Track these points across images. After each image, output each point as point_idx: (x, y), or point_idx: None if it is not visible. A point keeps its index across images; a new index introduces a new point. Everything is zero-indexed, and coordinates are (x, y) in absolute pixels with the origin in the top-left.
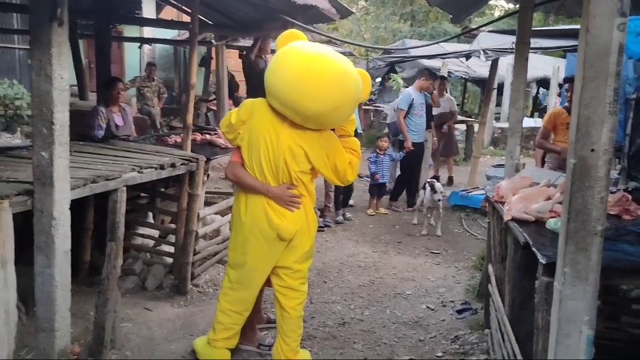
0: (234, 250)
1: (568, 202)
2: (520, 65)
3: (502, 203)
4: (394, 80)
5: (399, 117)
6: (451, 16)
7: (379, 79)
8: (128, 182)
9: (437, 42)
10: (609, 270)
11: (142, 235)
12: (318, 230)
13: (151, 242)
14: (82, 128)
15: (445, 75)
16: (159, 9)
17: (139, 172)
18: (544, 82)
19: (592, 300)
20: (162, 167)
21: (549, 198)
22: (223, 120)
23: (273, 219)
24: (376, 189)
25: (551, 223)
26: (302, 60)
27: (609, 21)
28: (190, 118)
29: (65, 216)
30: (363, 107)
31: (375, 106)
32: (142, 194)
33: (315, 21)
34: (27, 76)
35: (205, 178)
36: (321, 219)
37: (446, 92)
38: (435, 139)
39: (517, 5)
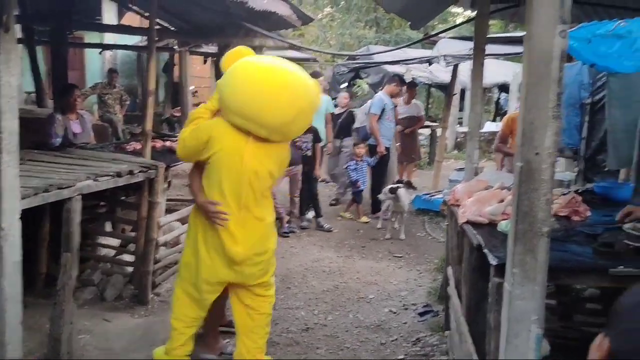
0: (186, 265)
1: (516, 205)
2: (477, 71)
3: (458, 206)
4: (359, 86)
5: (371, 121)
6: (410, 23)
7: (344, 85)
8: (83, 191)
9: (400, 48)
10: (557, 271)
11: (102, 245)
12: (282, 236)
13: (112, 252)
14: (39, 136)
15: (411, 80)
16: (121, 14)
17: (94, 180)
18: (505, 87)
19: (540, 300)
20: (119, 175)
21: (502, 200)
22: (178, 148)
23: (225, 242)
24: (356, 196)
25: (502, 225)
26: (261, 73)
27: (551, 28)
28: (149, 125)
29: (14, 227)
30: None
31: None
32: (102, 203)
33: (277, 28)
34: None
35: (166, 185)
36: (287, 225)
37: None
38: (398, 144)
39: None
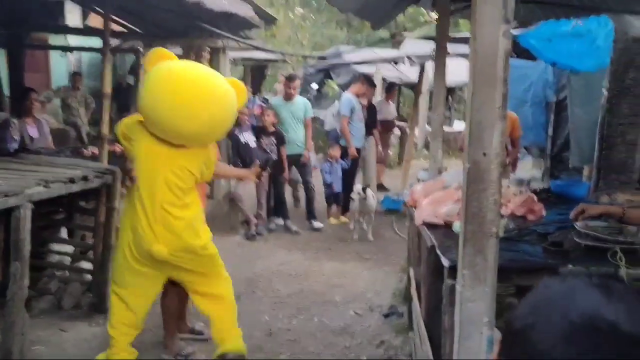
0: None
1: (464, 206)
2: (440, 71)
3: (416, 207)
4: (329, 86)
5: (342, 123)
6: (370, 23)
7: (315, 85)
8: (33, 198)
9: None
10: (508, 271)
11: (59, 252)
12: (249, 239)
13: (69, 259)
14: None
15: (390, 83)
16: (85, 16)
17: (44, 186)
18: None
19: (490, 301)
20: (72, 181)
21: (458, 200)
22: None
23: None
24: (333, 198)
25: (456, 226)
26: (175, 83)
27: (495, 28)
28: (105, 129)
29: None
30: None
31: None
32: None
33: (240, 28)
34: None
35: (124, 190)
36: (254, 228)
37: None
38: (379, 146)
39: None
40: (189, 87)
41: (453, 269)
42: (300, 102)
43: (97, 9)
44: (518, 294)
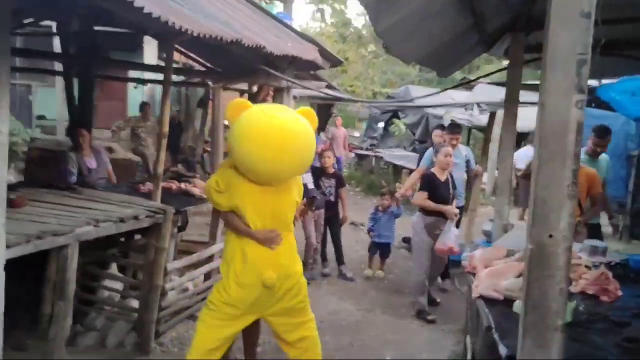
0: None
1: (526, 293)
2: (509, 121)
3: (474, 274)
4: (396, 125)
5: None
6: (436, 71)
7: (381, 124)
8: (80, 238)
9: (429, 95)
10: None
11: (109, 289)
12: None
13: (118, 296)
14: (53, 172)
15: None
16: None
17: (94, 226)
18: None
19: None
20: (122, 220)
21: (520, 275)
22: (205, 192)
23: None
24: (375, 248)
25: (517, 306)
26: (266, 136)
27: (566, 98)
28: (160, 168)
29: None
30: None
31: (376, 152)
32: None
33: (306, 69)
34: (26, 112)
35: (176, 230)
36: (308, 272)
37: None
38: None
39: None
40: (281, 137)
41: (510, 358)
42: None
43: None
44: None
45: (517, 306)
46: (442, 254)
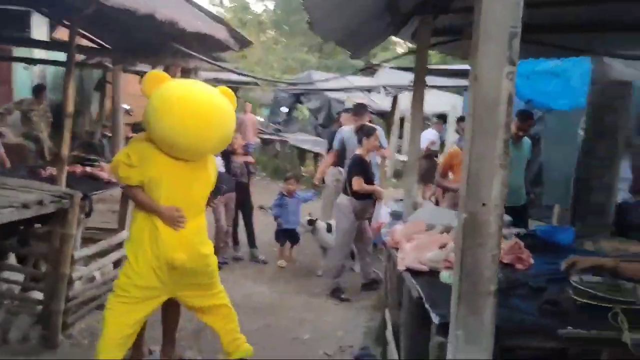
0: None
1: (459, 261)
2: (418, 102)
3: (397, 249)
4: (300, 111)
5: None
6: (350, 52)
7: (285, 109)
8: None
9: (340, 77)
10: (501, 331)
11: (8, 281)
12: None
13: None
14: None
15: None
16: (53, 28)
17: None
18: (443, 118)
19: None
20: (25, 206)
21: (443, 246)
22: (112, 167)
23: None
24: (281, 235)
25: (444, 276)
26: (187, 108)
27: (499, 70)
28: (65, 149)
29: None
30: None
31: (281, 136)
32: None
33: (214, 50)
34: None
35: (83, 216)
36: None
37: None
38: None
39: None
40: (204, 110)
41: (443, 326)
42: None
43: (65, 22)
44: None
45: (444, 276)
46: (376, 231)
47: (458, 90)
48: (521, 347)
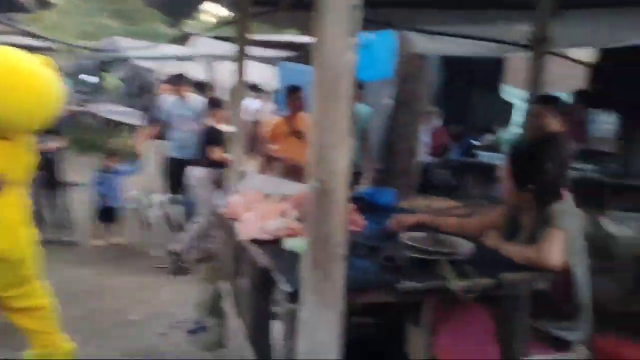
0: None
1: (310, 228)
2: (240, 72)
3: (235, 219)
4: (107, 80)
5: None
6: (170, 18)
7: (94, 79)
8: None
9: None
10: (348, 290)
11: None
12: None
13: None
14: None
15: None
16: None
17: None
18: (255, 89)
19: (339, 326)
20: None
21: (283, 214)
22: None
23: None
24: (103, 215)
25: (289, 243)
26: (8, 77)
27: (342, 42)
28: None
29: None
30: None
31: (88, 108)
32: None
33: (9, 10)
34: None
35: None
36: None
37: None
38: None
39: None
40: (31, 80)
41: (293, 293)
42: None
43: None
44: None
45: (288, 243)
46: None
47: (271, 60)
48: (365, 304)
